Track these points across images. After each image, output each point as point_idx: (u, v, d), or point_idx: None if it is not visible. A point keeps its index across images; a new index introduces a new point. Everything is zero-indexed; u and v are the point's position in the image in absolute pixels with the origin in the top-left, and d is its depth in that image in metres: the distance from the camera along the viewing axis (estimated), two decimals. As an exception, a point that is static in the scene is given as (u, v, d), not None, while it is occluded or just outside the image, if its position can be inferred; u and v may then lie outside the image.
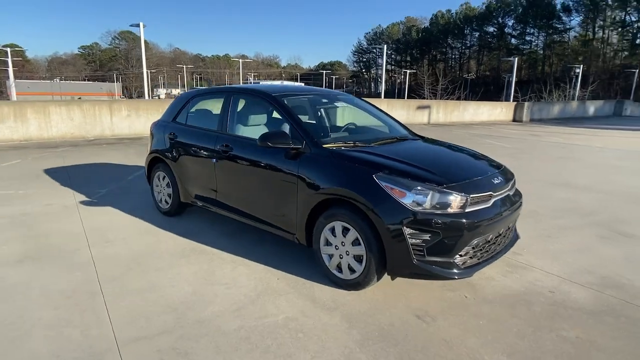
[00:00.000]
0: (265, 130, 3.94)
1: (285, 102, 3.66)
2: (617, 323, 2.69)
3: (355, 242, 2.89)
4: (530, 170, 7.87)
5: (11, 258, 3.53)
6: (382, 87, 22.94)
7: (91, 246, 3.81)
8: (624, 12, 61.46)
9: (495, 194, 2.95)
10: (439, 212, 2.68)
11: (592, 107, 25.83)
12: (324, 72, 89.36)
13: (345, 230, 2.95)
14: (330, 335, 2.50)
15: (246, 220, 3.78)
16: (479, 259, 2.88)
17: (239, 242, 3.95)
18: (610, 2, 60.65)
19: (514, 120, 21.65)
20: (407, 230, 2.65)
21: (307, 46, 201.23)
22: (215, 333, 2.50)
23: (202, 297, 2.92)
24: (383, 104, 16.75)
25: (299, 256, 3.61)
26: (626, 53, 62.68)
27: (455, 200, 2.72)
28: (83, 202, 5.19)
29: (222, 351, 2.33)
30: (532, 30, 73.35)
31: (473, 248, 2.79)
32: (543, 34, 71.99)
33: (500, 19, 78.32)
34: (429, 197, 2.70)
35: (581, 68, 37.33)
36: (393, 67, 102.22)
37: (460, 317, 2.72)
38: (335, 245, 3.02)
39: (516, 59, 32.68)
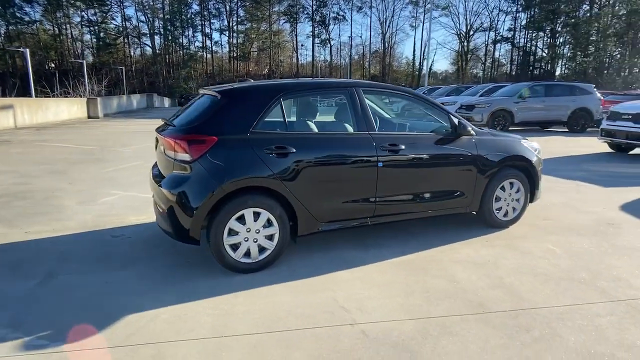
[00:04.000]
0: (399, 124, 3.88)
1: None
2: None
3: (517, 190, 4.22)
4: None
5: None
6: None
7: (354, 323, 2.55)
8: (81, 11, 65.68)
9: None
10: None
11: (135, 101, 28.36)
12: None
13: (511, 185, 4.17)
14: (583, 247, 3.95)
15: (407, 217, 3.77)
16: None
17: (392, 248, 3.80)
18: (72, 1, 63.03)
19: (90, 116, 20.66)
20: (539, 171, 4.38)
21: None
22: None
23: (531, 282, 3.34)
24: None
25: (451, 227, 4.19)
26: (96, 50, 68.17)
27: None
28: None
29: None
30: (-9, 17, 64.10)
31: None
32: (5, 23, 64.76)
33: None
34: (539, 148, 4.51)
35: (84, 63, 38.26)
36: None
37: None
38: (504, 198, 4.17)
39: (27, 50, 29.45)
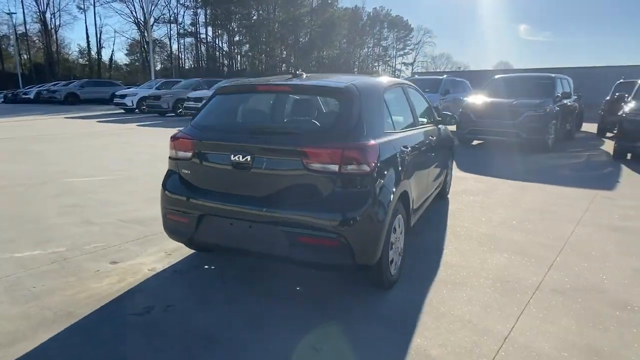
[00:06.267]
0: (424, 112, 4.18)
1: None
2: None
3: (452, 167, 5.31)
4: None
5: None
6: None
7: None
8: None
9: None
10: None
11: None
12: None
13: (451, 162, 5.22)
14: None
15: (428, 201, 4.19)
16: None
17: (434, 231, 4.17)
18: None
19: None
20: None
21: None
22: None
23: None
24: None
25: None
26: None
27: None
28: None
29: None
30: None
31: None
32: None
33: None
34: None
35: None
36: None
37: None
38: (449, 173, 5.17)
39: None
